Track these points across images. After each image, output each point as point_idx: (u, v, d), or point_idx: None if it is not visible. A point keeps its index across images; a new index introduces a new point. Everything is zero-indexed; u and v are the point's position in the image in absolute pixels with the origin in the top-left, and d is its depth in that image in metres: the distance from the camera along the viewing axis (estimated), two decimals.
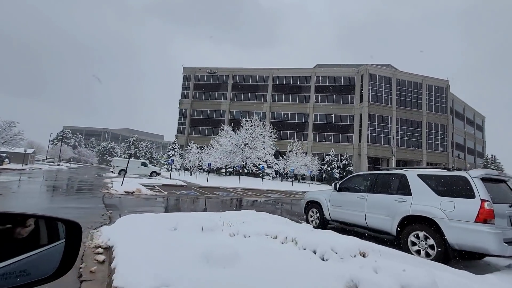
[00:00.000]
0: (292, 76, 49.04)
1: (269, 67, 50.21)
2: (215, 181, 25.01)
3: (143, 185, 16.06)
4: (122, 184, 13.54)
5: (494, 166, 54.21)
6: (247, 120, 33.60)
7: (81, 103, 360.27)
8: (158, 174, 31.67)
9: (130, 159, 19.34)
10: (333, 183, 6.87)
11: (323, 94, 47.45)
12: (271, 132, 33.80)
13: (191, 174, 36.27)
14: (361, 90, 44.87)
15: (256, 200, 15.00)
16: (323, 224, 6.91)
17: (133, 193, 12.69)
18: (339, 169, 42.66)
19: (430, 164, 46.64)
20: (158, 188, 16.52)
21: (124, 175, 16.99)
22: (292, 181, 34.10)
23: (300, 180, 42.24)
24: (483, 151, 63.66)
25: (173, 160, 22.25)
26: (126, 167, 17.14)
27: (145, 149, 63.66)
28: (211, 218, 5.76)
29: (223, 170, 42.53)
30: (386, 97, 44.72)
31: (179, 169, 46.79)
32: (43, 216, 0.82)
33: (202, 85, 52.05)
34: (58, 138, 71.34)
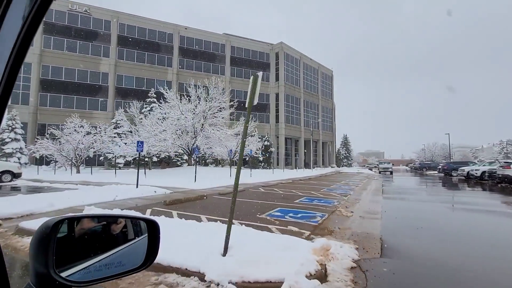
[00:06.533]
0: (204, 41, 40.24)
1: (175, 22, 38.64)
2: (203, 180, 14.91)
3: (98, 205, 5.77)
4: None
5: (348, 142, 69.93)
6: (201, 85, 23.83)
7: None
8: (19, 175, 16.09)
9: None
10: None
11: (239, 67, 42.17)
12: (232, 102, 25.68)
13: (78, 171, 21.35)
14: (277, 68, 43.39)
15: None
16: None
17: None
18: (260, 150, 39.83)
19: (323, 143, 53.16)
20: (162, 213, 6.53)
21: None
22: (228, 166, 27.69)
23: (220, 166, 36.13)
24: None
25: (120, 145, 10.45)
26: None
27: None
28: None
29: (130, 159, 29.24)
30: (296, 79, 45.72)
31: (27, 163, 27.66)
32: (129, 216, 0.96)
33: (62, 28, 32.57)
34: None
